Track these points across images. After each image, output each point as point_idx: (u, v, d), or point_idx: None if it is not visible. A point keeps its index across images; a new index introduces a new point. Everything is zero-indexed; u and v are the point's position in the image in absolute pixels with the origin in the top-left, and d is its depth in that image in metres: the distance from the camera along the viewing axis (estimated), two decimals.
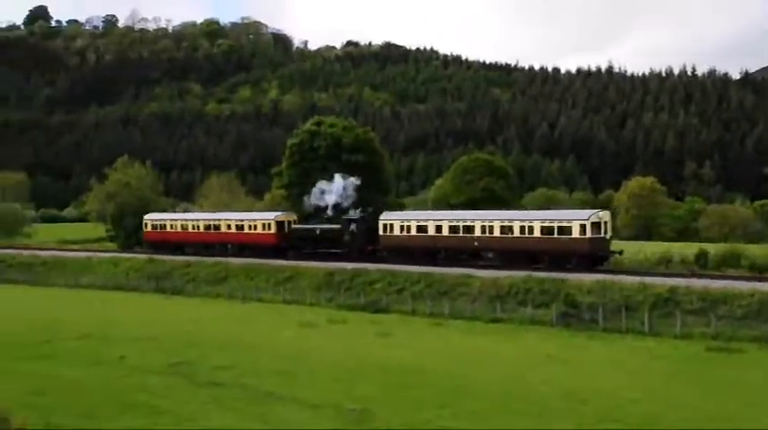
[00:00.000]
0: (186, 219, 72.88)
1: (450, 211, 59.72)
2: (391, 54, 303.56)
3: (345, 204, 64.74)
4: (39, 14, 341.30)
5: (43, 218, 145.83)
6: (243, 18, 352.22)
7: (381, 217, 58.78)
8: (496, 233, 52.34)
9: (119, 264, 67.21)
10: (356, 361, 32.40)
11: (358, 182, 66.11)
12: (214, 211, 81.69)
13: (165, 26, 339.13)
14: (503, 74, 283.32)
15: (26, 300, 56.28)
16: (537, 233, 50.45)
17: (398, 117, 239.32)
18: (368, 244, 59.24)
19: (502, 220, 52.59)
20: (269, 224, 65.20)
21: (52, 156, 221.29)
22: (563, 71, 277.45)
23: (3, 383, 26.51)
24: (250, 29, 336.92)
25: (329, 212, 65.09)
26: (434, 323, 43.43)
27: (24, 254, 75.39)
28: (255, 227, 66.09)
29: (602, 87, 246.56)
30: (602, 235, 49.57)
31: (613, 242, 54.45)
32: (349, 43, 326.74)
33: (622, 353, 34.40)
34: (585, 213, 50.89)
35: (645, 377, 29.65)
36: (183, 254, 69.28)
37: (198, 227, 70.53)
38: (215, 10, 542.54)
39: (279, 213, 67.63)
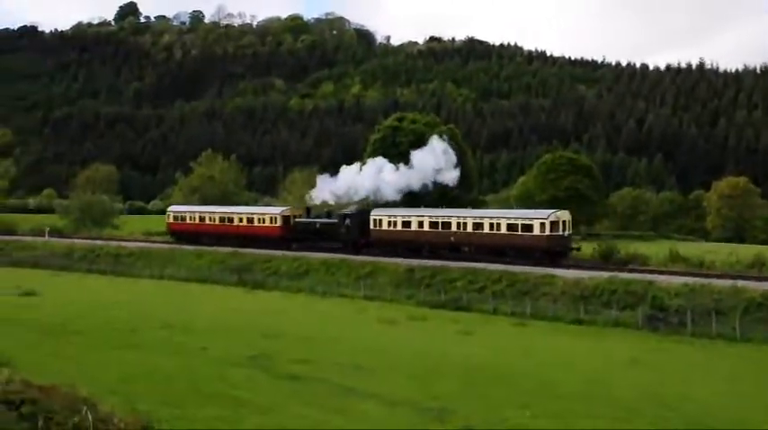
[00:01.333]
0: (203, 212, 78.12)
1: (431, 209, 63.73)
2: (474, 49, 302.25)
3: (445, 167, 65.42)
4: (128, 11, 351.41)
5: (130, 210, 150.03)
6: (326, 14, 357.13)
7: (372, 213, 63.58)
8: (470, 229, 57.48)
9: (202, 256, 68.57)
10: (436, 358, 32.32)
11: (452, 144, 66.53)
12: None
13: (249, 22, 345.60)
14: (588, 70, 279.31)
15: (113, 290, 57.89)
16: (504, 230, 55.65)
17: (481, 113, 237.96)
18: (361, 237, 63.84)
19: (474, 218, 57.74)
20: (275, 218, 70.46)
21: (139, 149, 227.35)
22: (651, 67, 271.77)
23: (93, 371, 27.27)
24: (333, 24, 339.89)
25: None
26: (516, 323, 43.04)
27: (112, 244, 77.62)
28: (264, 220, 71.35)
29: (693, 84, 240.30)
30: (561, 233, 54.75)
31: (705, 244, 53.51)
32: (432, 39, 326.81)
33: (711, 359, 33.45)
34: (545, 213, 55.73)
35: (735, 383, 28.76)
36: (201, 244, 74.38)
37: (213, 219, 75.78)
38: (299, 5, 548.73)
39: (285, 208, 74.05)
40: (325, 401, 24.35)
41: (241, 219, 73.28)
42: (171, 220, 79.89)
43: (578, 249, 57.70)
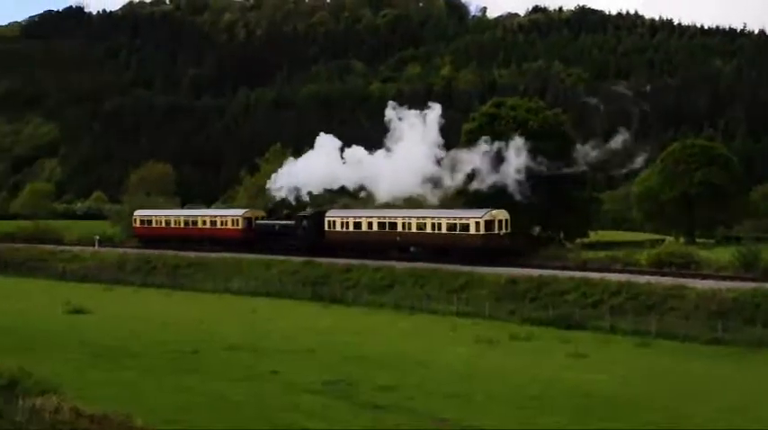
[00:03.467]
0: (168, 215, 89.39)
1: (379, 209, 72.37)
2: (586, 20, 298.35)
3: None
4: None
5: None
6: None
7: (327, 214, 73.25)
8: (414, 229, 66.61)
9: (271, 266, 69.58)
10: (543, 385, 32.11)
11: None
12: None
13: None
14: (725, 40, 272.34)
15: (171, 306, 59.24)
16: (444, 230, 64.47)
17: (595, 96, 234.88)
18: (317, 238, 72.65)
19: (418, 218, 66.73)
20: (237, 220, 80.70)
21: (199, 144, 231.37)
22: None
23: (150, 398, 28.00)
24: None
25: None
26: (638, 343, 42.44)
27: (169, 254, 79.33)
28: (226, 223, 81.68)
29: None
30: (496, 232, 62.99)
31: None
32: (535, 9, 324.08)
33: None
34: (480, 212, 63.74)
35: None
36: (167, 248, 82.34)
37: (179, 222, 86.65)
38: None
39: (246, 210, 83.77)
40: None
41: (204, 222, 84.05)
42: (137, 225, 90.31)
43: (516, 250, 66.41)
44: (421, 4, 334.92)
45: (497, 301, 52.80)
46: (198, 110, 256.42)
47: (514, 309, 51.30)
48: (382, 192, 71.73)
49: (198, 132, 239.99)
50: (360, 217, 71.00)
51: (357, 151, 74.17)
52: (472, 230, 62.63)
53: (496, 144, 69.45)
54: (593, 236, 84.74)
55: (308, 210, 75.73)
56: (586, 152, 71.21)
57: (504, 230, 64.02)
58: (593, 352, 39.93)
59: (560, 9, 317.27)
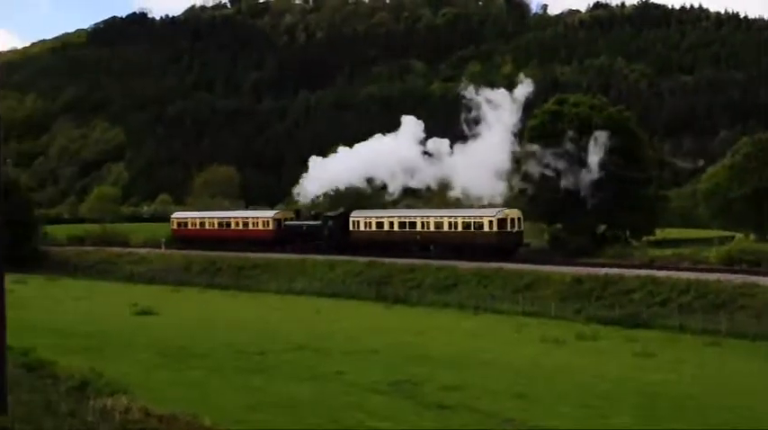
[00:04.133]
0: (203, 217, 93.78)
1: (400, 210, 79.29)
2: (649, 15, 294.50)
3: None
4: None
5: None
6: None
7: (351, 215, 77.18)
8: (432, 228, 70.13)
9: (334, 267, 69.99)
10: (611, 385, 31.83)
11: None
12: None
13: None
14: None
15: (237, 307, 59.88)
16: (460, 228, 67.88)
17: (659, 92, 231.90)
18: (343, 238, 76.56)
19: (436, 217, 70.25)
20: (268, 221, 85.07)
21: (261, 146, 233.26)
22: None
23: (217, 398, 28.34)
24: None
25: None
26: (708, 342, 41.86)
27: (232, 255, 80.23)
28: (258, 224, 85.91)
29: None
30: (509, 229, 66.39)
31: None
32: (597, 5, 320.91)
33: None
34: (493, 211, 67.45)
35: None
36: (203, 248, 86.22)
37: (213, 224, 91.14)
38: None
39: (276, 211, 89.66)
40: None
41: (237, 224, 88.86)
42: (175, 227, 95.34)
43: (528, 245, 69.76)
44: (480, 3, 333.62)
45: (563, 301, 52.57)
46: (259, 113, 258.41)
47: (580, 308, 51.05)
48: (458, 190, 72.05)
49: (259, 135, 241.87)
50: (382, 217, 75.20)
51: (438, 143, 74.09)
52: (486, 228, 65.97)
53: (584, 139, 69.17)
54: (660, 233, 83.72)
55: (334, 211, 79.79)
56: (681, 160, 70.57)
57: (516, 228, 67.30)
58: (661, 351, 39.51)
59: (623, 4, 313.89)
